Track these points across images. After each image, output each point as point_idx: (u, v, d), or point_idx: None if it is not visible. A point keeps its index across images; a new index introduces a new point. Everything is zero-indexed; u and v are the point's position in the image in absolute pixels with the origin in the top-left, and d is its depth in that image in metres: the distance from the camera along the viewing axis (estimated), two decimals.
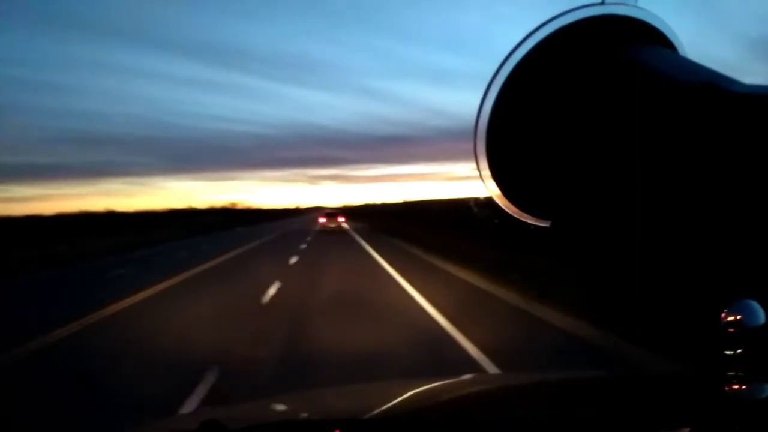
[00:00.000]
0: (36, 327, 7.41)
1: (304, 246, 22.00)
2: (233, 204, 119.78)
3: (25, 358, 6.11)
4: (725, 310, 0.68)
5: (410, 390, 1.37)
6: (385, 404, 1.21)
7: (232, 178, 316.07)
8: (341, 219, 38.38)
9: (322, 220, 37.80)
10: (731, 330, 0.68)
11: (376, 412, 1.15)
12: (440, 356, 5.52)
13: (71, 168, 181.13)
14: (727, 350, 0.73)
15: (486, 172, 0.63)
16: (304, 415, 1.34)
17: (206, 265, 15.98)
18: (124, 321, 8.03)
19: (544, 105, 0.59)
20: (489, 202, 0.67)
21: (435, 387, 1.46)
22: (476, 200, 18.59)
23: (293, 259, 16.21)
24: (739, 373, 0.81)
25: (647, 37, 0.60)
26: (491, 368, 5.06)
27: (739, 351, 0.72)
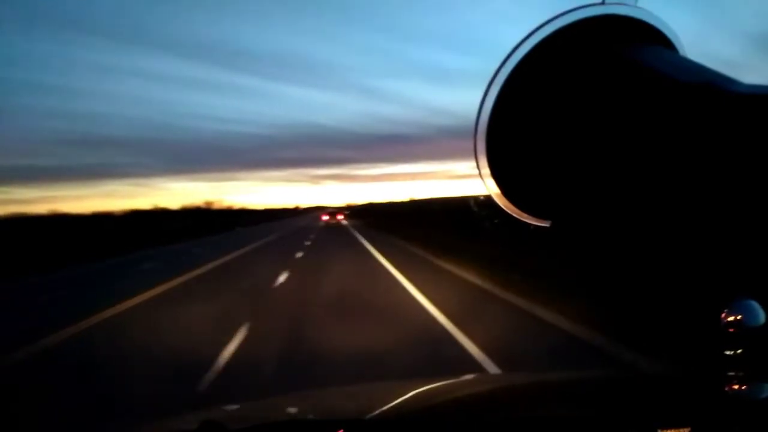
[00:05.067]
0: None
1: None
2: (208, 204, 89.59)
3: None
4: (725, 310, 0.68)
5: (413, 390, 1.37)
6: (387, 404, 1.21)
7: (234, 179, 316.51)
8: (340, 216, 52.06)
9: (325, 217, 50.33)
10: (731, 330, 0.68)
11: (378, 412, 1.15)
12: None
13: (72, 170, 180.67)
14: (727, 350, 0.73)
15: (486, 171, 0.63)
16: (306, 415, 1.34)
17: None
18: None
19: (544, 105, 0.59)
20: (489, 201, 0.67)
21: (437, 387, 1.46)
22: (476, 199, 18.68)
23: None
24: (739, 373, 0.81)
25: (647, 37, 0.60)
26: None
27: (739, 351, 0.72)
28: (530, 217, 0.64)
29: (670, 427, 0.88)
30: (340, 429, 0.99)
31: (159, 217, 61.20)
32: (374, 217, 51.93)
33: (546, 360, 5.22)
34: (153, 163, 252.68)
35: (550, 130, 0.59)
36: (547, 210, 0.63)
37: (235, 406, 1.53)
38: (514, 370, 4.89)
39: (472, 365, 5.22)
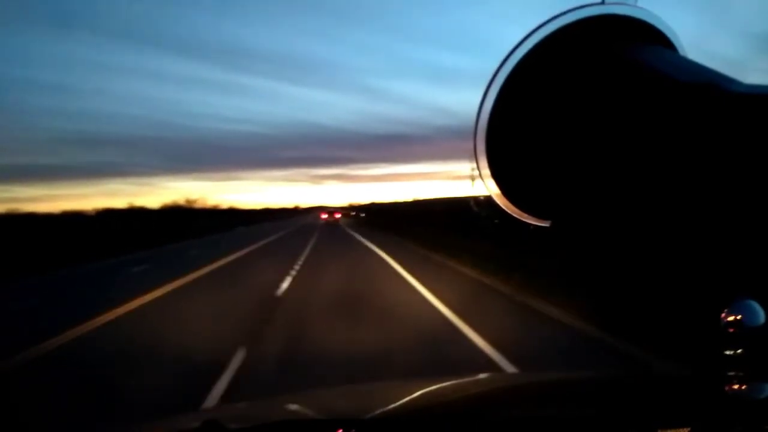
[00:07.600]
0: None
1: None
2: (190, 202, 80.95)
3: None
4: (725, 310, 0.68)
5: (412, 390, 1.37)
6: (388, 404, 1.21)
7: (236, 178, 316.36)
8: (338, 215, 58.65)
9: (324, 216, 55.43)
10: (731, 330, 0.68)
11: (379, 411, 1.15)
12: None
13: (74, 168, 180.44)
14: (727, 350, 0.73)
15: (486, 171, 0.63)
16: (307, 415, 1.33)
17: None
18: None
19: (544, 105, 0.59)
20: (489, 201, 0.66)
21: (438, 387, 1.46)
22: (476, 199, 18.73)
23: None
24: (739, 373, 0.81)
25: (647, 37, 0.60)
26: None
27: (739, 351, 0.72)
28: (530, 217, 0.64)
29: (670, 427, 0.88)
30: (339, 429, 0.99)
31: (135, 216, 54.88)
32: (376, 217, 52.63)
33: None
34: (155, 162, 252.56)
35: (550, 131, 0.59)
36: (547, 210, 0.63)
37: (235, 406, 1.53)
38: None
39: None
